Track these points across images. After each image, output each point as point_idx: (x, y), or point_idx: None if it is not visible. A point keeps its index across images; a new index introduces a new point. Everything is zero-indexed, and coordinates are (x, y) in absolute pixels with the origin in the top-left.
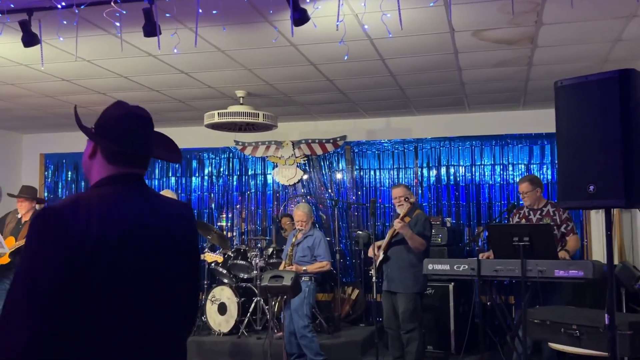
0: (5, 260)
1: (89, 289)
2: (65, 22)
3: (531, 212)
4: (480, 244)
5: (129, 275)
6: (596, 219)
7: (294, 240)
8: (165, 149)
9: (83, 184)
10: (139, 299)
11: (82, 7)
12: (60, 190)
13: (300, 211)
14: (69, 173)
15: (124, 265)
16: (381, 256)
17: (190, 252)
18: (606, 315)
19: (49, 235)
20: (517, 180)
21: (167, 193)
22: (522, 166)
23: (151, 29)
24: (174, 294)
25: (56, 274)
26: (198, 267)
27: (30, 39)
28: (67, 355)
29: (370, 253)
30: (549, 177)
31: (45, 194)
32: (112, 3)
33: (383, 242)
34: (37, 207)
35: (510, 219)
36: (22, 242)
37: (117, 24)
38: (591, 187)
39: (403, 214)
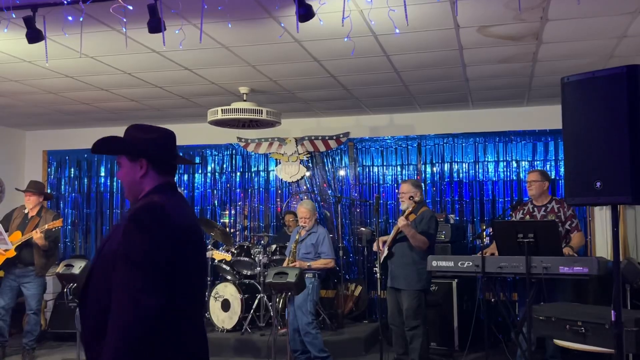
0: (12, 253)
1: (179, 268)
2: (70, 19)
3: (535, 209)
4: (484, 241)
5: (197, 261)
6: (600, 215)
7: (297, 237)
8: (182, 156)
9: (86, 180)
10: (199, 280)
11: (87, 2)
12: (63, 186)
13: (304, 207)
14: (72, 170)
15: (196, 252)
16: (385, 252)
17: None
18: (612, 311)
19: (157, 224)
20: (521, 177)
21: None
22: (526, 163)
23: (156, 25)
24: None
25: (163, 254)
26: None
27: (34, 35)
28: (166, 321)
29: (375, 248)
30: (553, 174)
31: (48, 191)
32: None
33: (388, 238)
34: (43, 202)
35: (513, 215)
36: (28, 236)
37: (124, 19)
38: (598, 184)
39: (408, 212)
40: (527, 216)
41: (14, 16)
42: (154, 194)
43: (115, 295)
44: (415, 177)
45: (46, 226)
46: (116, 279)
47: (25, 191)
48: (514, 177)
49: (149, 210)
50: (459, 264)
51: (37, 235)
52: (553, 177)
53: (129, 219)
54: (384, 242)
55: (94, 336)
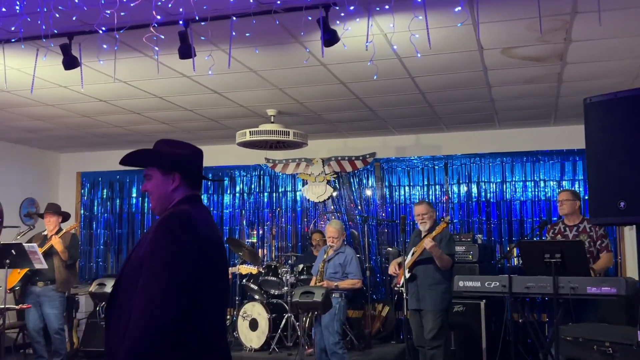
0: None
1: (203, 279)
2: (105, 46)
3: (567, 229)
4: (512, 261)
5: (220, 275)
6: (630, 235)
7: (325, 256)
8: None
9: (118, 201)
10: (222, 294)
11: (121, 31)
12: (96, 207)
13: (332, 227)
14: (105, 191)
15: (220, 264)
16: (407, 275)
17: None
18: (638, 332)
19: (185, 232)
20: (550, 196)
21: None
22: (554, 183)
23: (186, 51)
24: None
25: (189, 264)
26: None
27: (70, 62)
28: (184, 332)
29: (390, 271)
30: (582, 193)
31: (82, 212)
32: (150, 28)
33: (406, 260)
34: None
35: (547, 234)
36: (48, 244)
37: (156, 47)
38: (622, 204)
39: (426, 232)
40: (559, 236)
41: (52, 45)
42: (183, 203)
43: (135, 303)
44: (443, 197)
45: (64, 230)
46: (139, 287)
47: (45, 213)
48: (542, 197)
49: (178, 217)
50: (485, 284)
51: (55, 240)
52: (582, 196)
53: (158, 226)
54: (399, 264)
55: (119, 345)
